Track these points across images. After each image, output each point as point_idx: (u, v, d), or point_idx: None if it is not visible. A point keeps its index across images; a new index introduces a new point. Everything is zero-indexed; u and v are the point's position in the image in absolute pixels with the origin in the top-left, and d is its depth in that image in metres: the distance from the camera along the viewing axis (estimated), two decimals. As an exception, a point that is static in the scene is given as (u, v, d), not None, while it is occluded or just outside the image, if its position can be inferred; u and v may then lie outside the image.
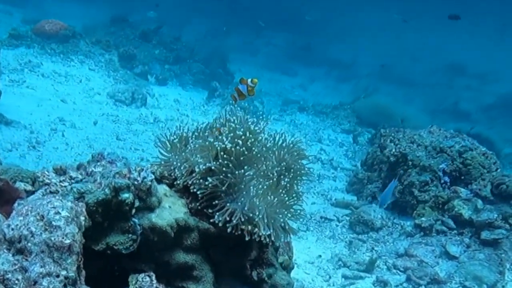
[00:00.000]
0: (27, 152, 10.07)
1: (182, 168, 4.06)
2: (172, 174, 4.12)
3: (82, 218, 3.61)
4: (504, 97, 25.26)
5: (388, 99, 20.95)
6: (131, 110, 13.96)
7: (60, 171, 4.20)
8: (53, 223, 3.37)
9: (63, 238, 3.33)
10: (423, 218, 8.47)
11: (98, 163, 4.42)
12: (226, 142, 3.97)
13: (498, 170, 8.95)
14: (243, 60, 25.42)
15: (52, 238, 3.30)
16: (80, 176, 4.15)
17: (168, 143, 4.30)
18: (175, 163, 4.12)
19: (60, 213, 3.43)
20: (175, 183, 4.13)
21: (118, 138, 11.94)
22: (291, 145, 4.40)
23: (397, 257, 8.20)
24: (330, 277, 7.90)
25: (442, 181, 8.82)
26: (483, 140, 10.18)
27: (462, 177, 8.86)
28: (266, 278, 4.35)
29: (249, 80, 3.97)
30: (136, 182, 3.80)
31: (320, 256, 8.45)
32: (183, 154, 4.15)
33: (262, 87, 20.30)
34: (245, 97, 4.15)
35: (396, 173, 9.21)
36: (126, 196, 3.73)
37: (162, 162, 4.27)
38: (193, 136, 4.24)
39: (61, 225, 3.38)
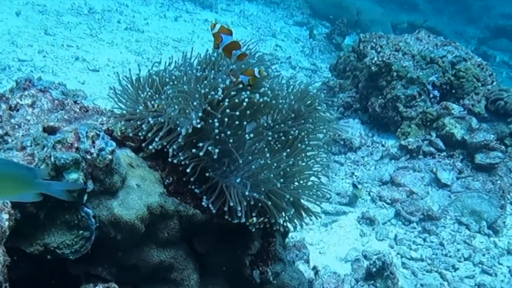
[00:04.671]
0: None
1: (154, 124, 2.69)
2: (140, 133, 2.74)
3: (5, 216, 2.31)
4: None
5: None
6: (61, -2, 12.06)
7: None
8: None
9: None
10: (410, 139, 7.31)
11: (26, 93, 3.15)
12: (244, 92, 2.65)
13: (494, 83, 7.82)
14: None
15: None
16: (-1, 131, 2.80)
17: (132, 86, 2.89)
18: (145, 117, 2.74)
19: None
20: (144, 147, 2.77)
21: (47, 32, 10.16)
22: (304, 92, 3.10)
23: (382, 185, 7.09)
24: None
25: (431, 96, 7.65)
26: (436, 34, 9.08)
27: (453, 91, 7.68)
28: (271, 279, 3.13)
29: (256, 70, 2.60)
30: (88, 156, 2.45)
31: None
32: (156, 103, 2.77)
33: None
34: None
35: (378, 84, 7.97)
36: (74, 177, 2.40)
37: (125, 113, 2.86)
38: (172, 76, 2.83)
39: (-31, 240, 2.09)
